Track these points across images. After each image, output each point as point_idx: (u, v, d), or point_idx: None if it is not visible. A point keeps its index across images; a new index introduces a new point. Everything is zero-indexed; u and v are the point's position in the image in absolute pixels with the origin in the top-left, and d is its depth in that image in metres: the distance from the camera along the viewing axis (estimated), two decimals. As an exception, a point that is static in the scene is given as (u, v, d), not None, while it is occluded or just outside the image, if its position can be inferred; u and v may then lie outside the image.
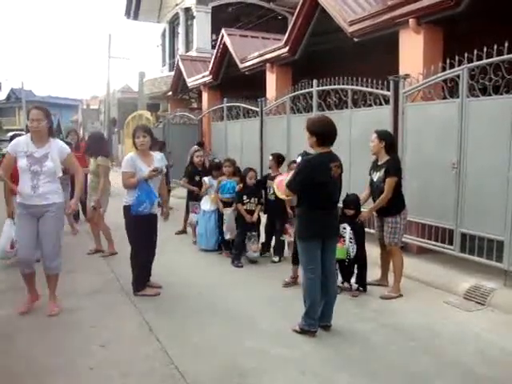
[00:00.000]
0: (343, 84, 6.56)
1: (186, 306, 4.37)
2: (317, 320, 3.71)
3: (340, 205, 4.30)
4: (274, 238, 6.05)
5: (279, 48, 8.88)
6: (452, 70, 5.03)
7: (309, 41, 8.32)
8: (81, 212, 7.90)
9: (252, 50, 10.11)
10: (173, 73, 15.45)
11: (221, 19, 17.41)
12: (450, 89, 5.14)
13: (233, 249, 5.97)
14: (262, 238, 6.16)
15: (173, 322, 3.98)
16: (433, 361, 3.35)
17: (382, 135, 4.65)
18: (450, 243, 5.15)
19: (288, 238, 5.79)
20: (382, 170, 4.58)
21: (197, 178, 6.89)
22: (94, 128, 26.38)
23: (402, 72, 5.90)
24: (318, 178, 3.59)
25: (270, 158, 6.17)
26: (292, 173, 3.87)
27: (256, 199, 5.90)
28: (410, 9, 5.74)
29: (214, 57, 11.71)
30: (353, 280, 4.71)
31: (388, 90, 5.82)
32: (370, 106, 6.18)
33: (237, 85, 11.08)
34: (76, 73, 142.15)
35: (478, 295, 4.45)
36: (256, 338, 3.68)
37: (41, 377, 3.10)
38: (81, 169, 4.38)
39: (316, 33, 8.14)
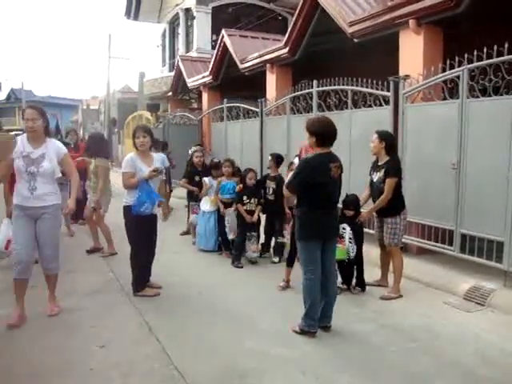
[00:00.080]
0: (343, 85, 6.57)
1: (185, 307, 4.37)
2: (317, 321, 3.71)
3: (340, 205, 4.30)
4: (273, 238, 6.06)
5: (279, 48, 8.88)
6: (452, 71, 5.03)
7: (309, 41, 8.32)
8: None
9: (252, 50, 10.11)
10: (173, 73, 15.46)
11: (221, 19, 17.43)
12: (450, 90, 5.15)
13: (233, 249, 5.98)
14: (262, 239, 6.17)
15: (173, 323, 3.98)
16: (433, 361, 3.35)
17: (383, 136, 4.65)
18: (450, 244, 5.16)
19: (281, 240, 5.81)
20: (382, 171, 4.58)
21: (196, 179, 6.90)
22: (93, 128, 26.36)
23: (402, 73, 5.91)
24: (317, 178, 3.59)
25: (269, 158, 6.19)
26: (292, 173, 3.88)
27: (256, 199, 5.91)
28: (410, 9, 5.74)
29: (214, 57, 11.71)
30: (353, 281, 4.71)
31: (388, 90, 5.83)
32: (370, 106, 6.19)
33: (237, 85, 11.09)
34: (76, 73, 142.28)
35: (477, 296, 4.46)
36: (256, 338, 3.68)
37: (40, 377, 3.10)
38: (75, 169, 4.29)
39: (316, 33, 8.15)
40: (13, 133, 15.45)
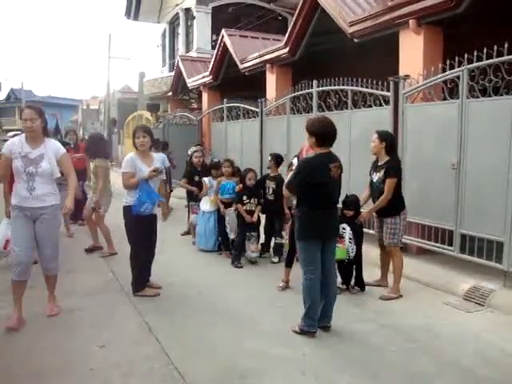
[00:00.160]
0: (343, 85, 6.57)
1: (185, 307, 4.37)
2: (316, 321, 3.71)
3: (340, 205, 4.30)
4: (273, 238, 6.06)
5: (279, 48, 8.88)
6: (452, 71, 5.03)
7: (309, 41, 8.32)
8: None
9: (252, 50, 10.11)
10: (173, 73, 15.45)
11: (221, 19, 17.42)
12: (450, 90, 5.15)
13: (232, 249, 5.98)
14: (262, 239, 6.16)
15: (173, 323, 3.98)
16: (432, 361, 3.35)
17: (383, 136, 4.65)
18: (450, 244, 5.16)
19: (279, 240, 5.81)
20: (382, 171, 4.58)
21: (196, 179, 6.90)
22: (93, 128, 26.39)
23: (401, 73, 5.91)
24: (317, 178, 3.59)
25: (269, 158, 6.19)
26: (291, 173, 3.87)
27: (256, 200, 5.91)
28: (410, 10, 5.74)
29: (214, 57, 11.71)
30: (352, 281, 4.71)
31: (388, 90, 5.83)
32: (370, 106, 6.19)
33: (237, 85, 11.08)
34: (76, 73, 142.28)
35: (477, 296, 4.46)
36: (256, 338, 3.68)
37: (40, 377, 3.09)
38: (73, 170, 4.25)
39: (316, 33, 8.15)
40: (12, 133, 15.44)
